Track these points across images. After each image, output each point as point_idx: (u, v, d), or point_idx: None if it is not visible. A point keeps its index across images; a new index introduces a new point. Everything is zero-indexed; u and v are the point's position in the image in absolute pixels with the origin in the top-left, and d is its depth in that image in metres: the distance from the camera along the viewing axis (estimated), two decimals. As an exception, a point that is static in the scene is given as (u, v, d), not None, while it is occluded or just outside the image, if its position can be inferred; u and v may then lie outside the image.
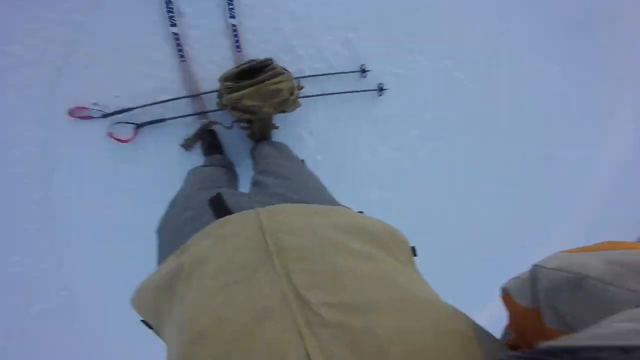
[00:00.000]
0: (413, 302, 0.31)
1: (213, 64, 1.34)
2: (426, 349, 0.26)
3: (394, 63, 1.64)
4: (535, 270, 0.31)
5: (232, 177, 1.23)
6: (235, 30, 1.37)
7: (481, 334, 0.29)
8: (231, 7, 1.34)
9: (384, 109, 1.66)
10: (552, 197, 2.21)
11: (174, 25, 1.28)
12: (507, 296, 0.35)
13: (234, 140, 1.40)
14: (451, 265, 1.65)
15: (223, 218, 0.48)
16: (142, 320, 0.50)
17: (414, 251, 0.48)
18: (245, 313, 0.31)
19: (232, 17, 1.35)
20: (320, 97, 1.52)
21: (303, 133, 1.53)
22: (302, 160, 1.08)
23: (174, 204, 0.74)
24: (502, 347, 0.29)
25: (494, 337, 0.30)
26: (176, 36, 1.31)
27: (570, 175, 2.21)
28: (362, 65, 1.59)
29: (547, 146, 2.11)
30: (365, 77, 1.60)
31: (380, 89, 1.64)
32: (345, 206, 0.58)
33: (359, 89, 1.59)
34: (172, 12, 1.27)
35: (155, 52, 1.28)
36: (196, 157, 1.35)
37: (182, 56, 1.32)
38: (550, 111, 2.04)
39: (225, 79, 1.17)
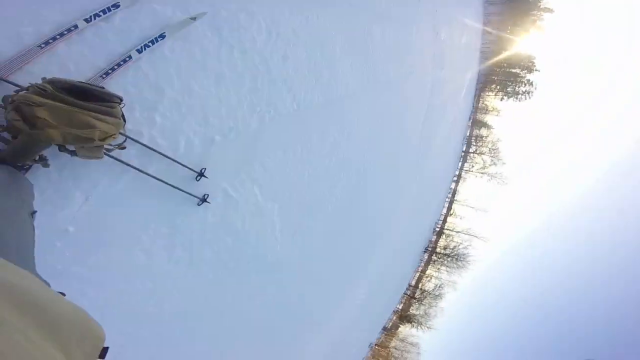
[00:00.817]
0: None
1: (63, 68, 1.03)
2: None
3: (232, 183, 1.63)
4: None
5: None
6: (125, 61, 1.19)
7: None
8: (149, 44, 1.17)
9: (192, 220, 1.54)
10: None
11: (88, 21, 1.15)
12: None
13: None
14: None
15: None
16: None
17: (103, 352, 0.46)
18: None
19: (140, 51, 1.19)
20: (134, 170, 1.28)
21: (76, 192, 1.21)
22: (33, 213, 0.85)
23: None
24: None
25: None
26: (76, 28, 1.16)
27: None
28: (203, 168, 1.50)
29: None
30: (198, 180, 1.50)
31: (204, 200, 1.54)
32: (42, 280, 0.55)
33: (183, 188, 1.44)
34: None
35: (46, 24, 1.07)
36: None
37: (46, 44, 1.13)
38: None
39: (51, 81, 1.00)
